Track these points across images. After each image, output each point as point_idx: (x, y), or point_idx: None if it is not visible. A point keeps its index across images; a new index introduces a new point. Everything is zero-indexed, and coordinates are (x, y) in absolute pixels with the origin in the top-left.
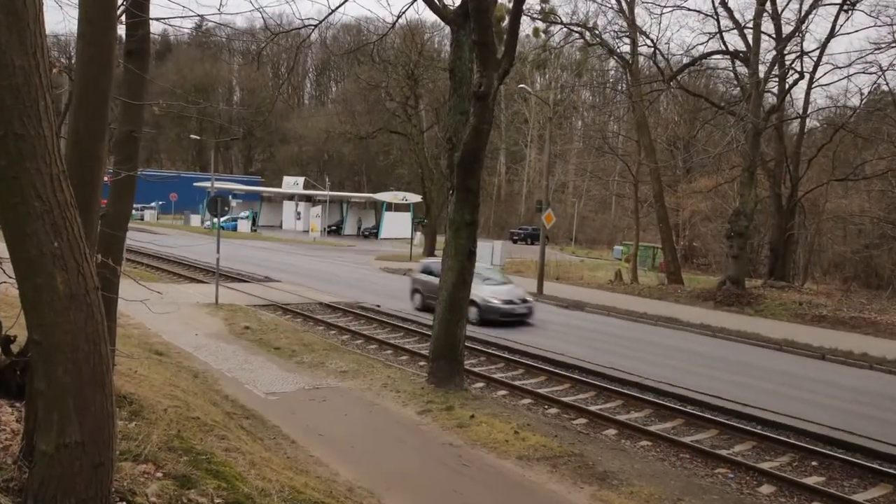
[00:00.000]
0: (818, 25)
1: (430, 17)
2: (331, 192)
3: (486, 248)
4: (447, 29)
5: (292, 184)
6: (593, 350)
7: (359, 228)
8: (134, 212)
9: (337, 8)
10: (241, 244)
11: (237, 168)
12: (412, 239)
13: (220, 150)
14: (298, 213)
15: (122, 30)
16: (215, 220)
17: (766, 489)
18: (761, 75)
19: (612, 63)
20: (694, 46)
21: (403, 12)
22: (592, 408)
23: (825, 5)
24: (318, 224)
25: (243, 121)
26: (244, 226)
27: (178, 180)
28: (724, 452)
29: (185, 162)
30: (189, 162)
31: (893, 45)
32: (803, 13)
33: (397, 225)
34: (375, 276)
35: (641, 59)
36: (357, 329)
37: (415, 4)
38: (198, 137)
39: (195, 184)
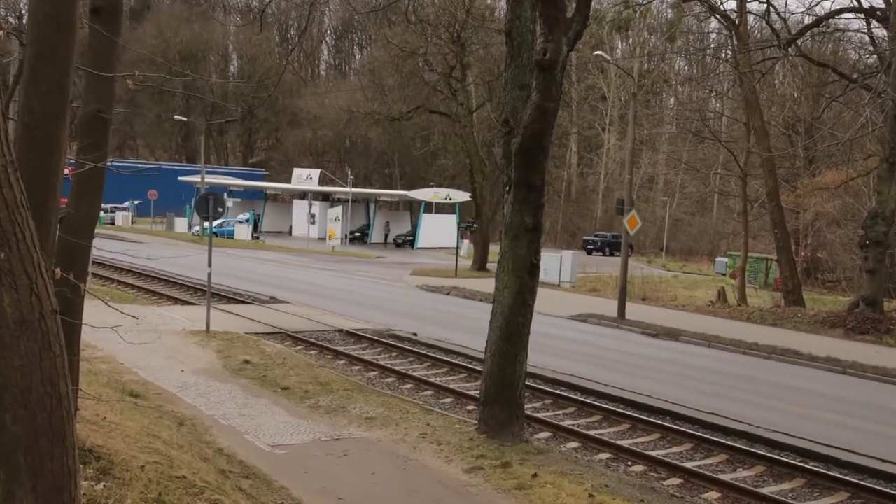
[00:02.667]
0: None
1: None
2: (354, 189)
3: (553, 261)
4: None
5: (304, 178)
6: (689, 390)
7: (386, 235)
8: (102, 214)
9: None
10: (239, 255)
11: (234, 158)
12: (458, 248)
13: (213, 136)
14: (312, 216)
15: None
16: (206, 224)
17: None
18: None
19: (713, 24)
20: (818, 2)
21: None
22: (688, 464)
23: None
24: (338, 230)
25: (242, 98)
26: (243, 231)
27: (159, 174)
28: None
29: (167, 150)
30: (173, 150)
31: None
32: None
33: (439, 231)
34: (411, 295)
35: (751, 18)
36: (388, 364)
37: None
38: (184, 119)
39: (180, 178)
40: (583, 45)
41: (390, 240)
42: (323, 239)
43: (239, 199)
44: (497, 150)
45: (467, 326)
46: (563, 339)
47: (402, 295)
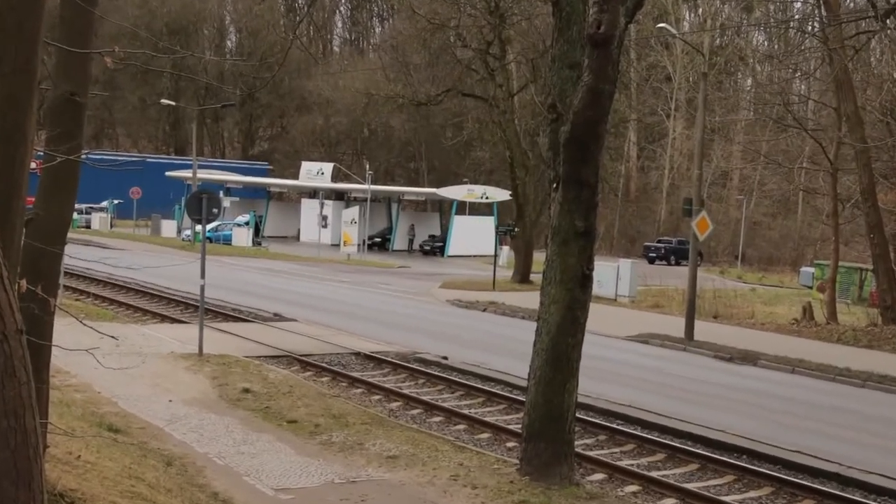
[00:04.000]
0: None
1: None
2: (373, 187)
3: (609, 271)
4: None
5: (315, 173)
6: (769, 424)
7: (411, 241)
8: (76, 215)
9: None
10: (237, 264)
11: (232, 150)
12: (496, 257)
13: (207, 123)
14: (324, 218)
15: None
16: (198, 227)
17: None
18: None
19: None
20: None
21: None
22: None
23: None
24: (354, 234)
25: (241, 78)
26: (242, 236)
27: (144, 168)
28: None
29: (153, 140)
30: (159, 140)
31: None
32: None
33: (473, 235)
34: (441, 312)
35: None
36: (413, 393)
37: None
38: (172, 104)
39: (168, 173)
40: (644, 15)
41: (416, 246)
42: (336, 245)
43: (237, 199)
44: (542, 140)
45: (507, 349)
46: (620, 364)
47: (429, 311)
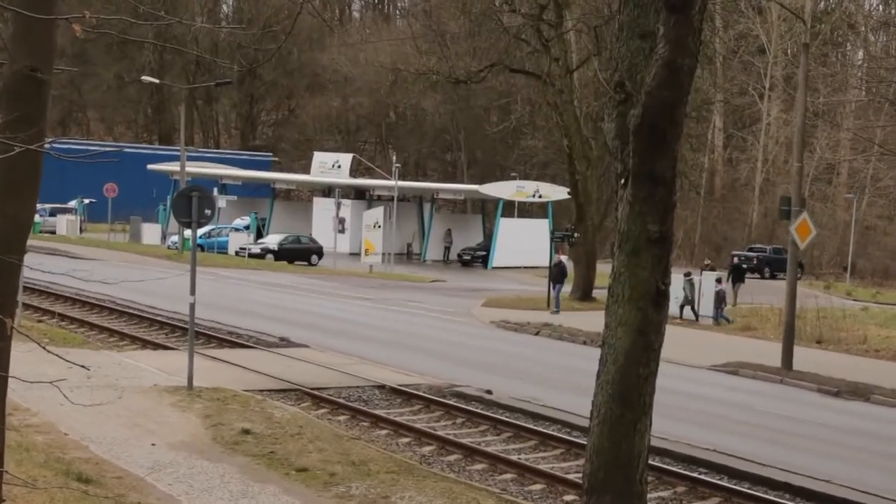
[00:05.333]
0: None
1: None
2: (402, 183)
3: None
4: None
5: (330, 166)
6: (885, 473)
7: (447, 249)
8: (38, 218)
9: None
10: (235, 277)
11: (229, 138)
12: (551, 268)
13: (198, 106)
14: (341, 221)
15: None
16: (188, 232)
17: None
18: None
19: None
20: None
21: None
22: None
23: None
24: (378, 241)
25: (240, 51)
26: (242, 243)
27: (121, 160)
28: None
29: (131, 127)
30: (139, 126)
31: None
32: None
33: (523, 242)
34: (483, 336)
35: None
36: (450, 434)
37: None
38: (155, 81)
39: (150, 166)
40: None
41: (453, 255)
42: (357, 254)
43: (235, 197)
44: (608, 125)
45: (564, 381)
46: (702, 399)
47: (470, 335)
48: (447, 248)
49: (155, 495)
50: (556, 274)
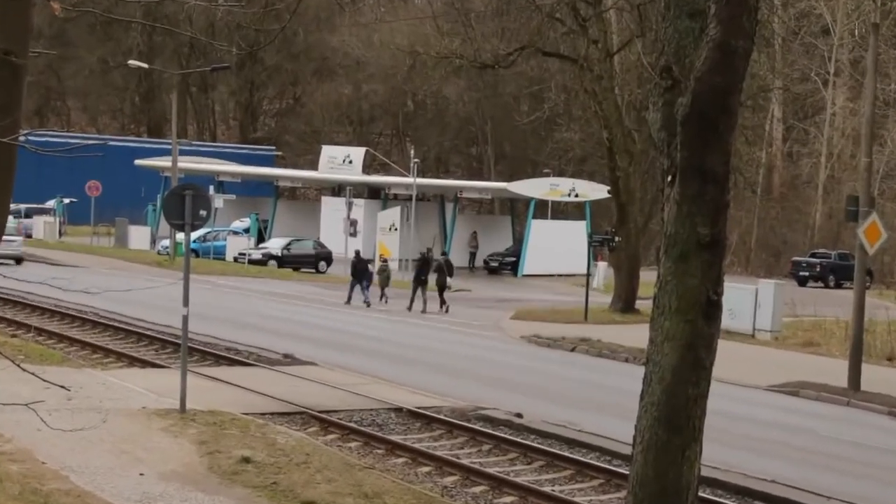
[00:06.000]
0: None
1: None
2: (421, 180)
3: (744, 296)
4: None
5: (340, 162)
6: None
7: (473, 255)
8: (12, 219)
9: None
10: (234, 286)
11: (227, 130)
12: (589, 276)
13: (191, 94)
14: (353, 223)
15: None
16: (180, 236)
17: None
18: None
19: None
20: None
21: None
22: None
23: None
24: (395, 246)
25: (238, 32)
26: (241, 248)
27: (105, 155)
28: None
29: (117, 117)
30: (126, 117)
31: None
32: None
33: (557, 247)
34: (513, 352)
35: None
36: (475, 463)
37: None
38: (144, 66)
39: (138, 162)
40: None
41: (479, 261)
42: (370, 261)
43: (234, 197)
44: (652, 115)
45: (604, 402)
46: (758, 423)
47: (498, 351)
48: (472, 254)
49: None
50: (358, 270)
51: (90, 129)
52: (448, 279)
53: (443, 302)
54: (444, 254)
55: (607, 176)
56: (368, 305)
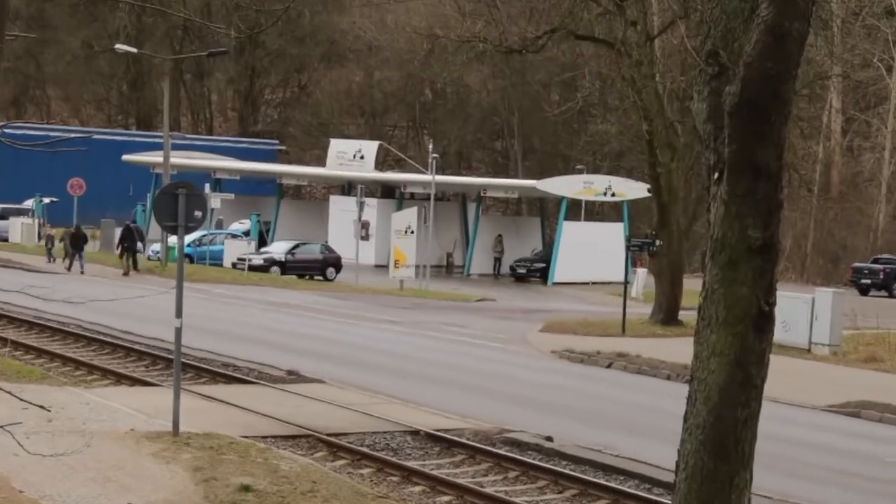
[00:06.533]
0: None
1: None
2: (441, 178)
3: (799, 307)
4: None
5: (350, 157)
6: None
7: (498, 261)
8: None
9: None
10: (233, 295)
11: (224, 122)
12: (626, 284)
13: (185, 81)
14: (364, 226)
15: None
16: (173, 239)
17: None
18: None
19: None
20: None
21: None
22: None
23: None
24: (411, 250)
25: (237, 13)
26: (240, 253)
27: (89, 149)
28: None
29: (102, 108)
30: (112, 108)
31: None
32: None
33: (591, 251)
34: (542, 368)
35: None
36: (500, 492)
37: None
38: (132, 51)
39: (126, 157)
40: None
41: (505, 268)
42: (384, 267)
43: (232, 196)
44: (697, 106)
45: (643, 425)
46: (815, 448)
47: (525, 368)
48: (497, 260)
49: None
50: (76, 239)
51: (73, 121)
52: (139, 244)
53: (129, 269)
54: (134, 222)
55: (647, 173)
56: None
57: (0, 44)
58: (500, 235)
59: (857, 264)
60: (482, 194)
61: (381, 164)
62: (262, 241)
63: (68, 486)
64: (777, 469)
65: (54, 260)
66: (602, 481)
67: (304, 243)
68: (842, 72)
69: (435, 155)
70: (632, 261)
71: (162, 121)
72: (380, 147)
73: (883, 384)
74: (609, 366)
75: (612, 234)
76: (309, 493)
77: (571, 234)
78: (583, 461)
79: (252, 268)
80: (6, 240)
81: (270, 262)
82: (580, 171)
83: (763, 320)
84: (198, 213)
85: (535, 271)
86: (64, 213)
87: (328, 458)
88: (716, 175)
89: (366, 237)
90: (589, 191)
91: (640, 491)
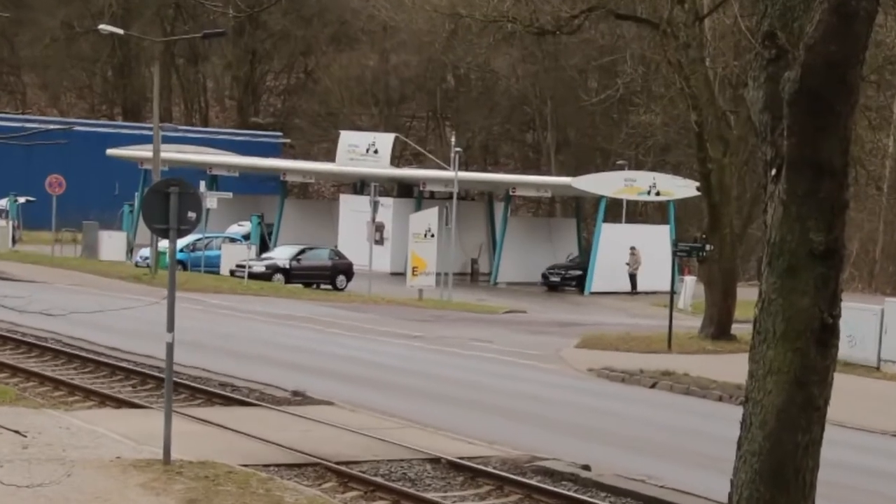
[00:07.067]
0: None
1: None
2: (464, 174)
3: (867, 319)
4: None
5: (363, 151)
6: None
7: (550, 273)
8: None
9: None
10: (232, 307)
11: (221, 112)
12: (673, 294)
13: (177, 67)
14: (379, 228)
15: None
16: (164, 243)
17: None
18: None
19: None
20: None
21: None
22: None
23: None
24: (431, 256)
25: None
26: (239, 259)
27: (70, 143)
28: None
29: (85, 96)
30: (96, 96)
31: None
32: None
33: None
34: (578, 389)
35: None
36: None
37: None
38: (119, 32)
39: (111, 151)
40: None
41: (535, 275)
42: (400, 274)
43: (230, 195)
44: (752, 94)
45: (691, 452)
46: (885, 477)
47: (559, 387)
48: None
49: None
50: None
51: (51, 111)
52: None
53: None
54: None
55: (696, 169)
56: None
57: None
58: (535, 240)
59: None
60: (511, 193)
61: (397, 159)
62: (264, 246)
63: None
64: (843, 501)
65: None
66: None
67: (311, 248)
68: None
69: (458, 149)
70: (679, 268)
71: (151, 111)
72: (396, 140)
73: None
74: (653, 386)
75: (657, 238)
76: None
77: (611, 237)
78: (624, 493)
79: (253, 276)
80: None
81: (273, 270)
82: (621, 167)
83: (826, 334)
84: (191, 215)
85: (571, 279)
86: (42, 214)
87: (338, 489)
88: (773, 172)
89: (380, 241)
90: (631, 189)
91: None
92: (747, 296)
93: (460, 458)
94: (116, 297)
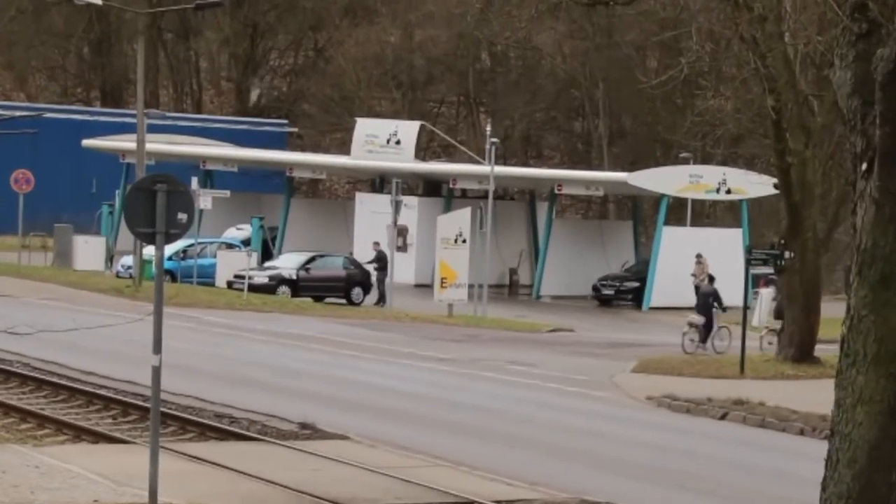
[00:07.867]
0: None
1: None
2: (501, 169)
3: None
4: None
5: (383, 142)
6: None
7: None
8: None
9: None
10: (229, 324)
11: (217, 96)
12: (746, 310)
13: (165, 43)
14: (401, 232)
15: None
16: (149, 250)
17: None
18: None
19: None
20: None
21: None
22: None
23: None
24: (463, 265)
25: None
26: (238, 268)
27: (40, 132)
28: None
29: (57, 78)
30: (71, 78)
31: None
32: None
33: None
34: (633, 420)
35: None
36: None
37: None
38: (97, 2)
39: (87, 142)
40: None
41: (584, 287)
42: (427, 286)
43: (228, 193)
44: (839, 75)
45: (768, 494)
46: None
47: (612, 419)
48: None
49: None
50: None
51: (18, 95)
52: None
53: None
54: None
55: (773, 163)
56: None
57: None
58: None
59: None
60: (556, 191)
61: (423, 152)
62: (267, 254)
63: None
64: None
65: None
66: None
67: (323, 255)
68: None
69: (494, 140)
70: (754, 279)
71: (134, 95)
72: (422, 129)
73: None
74: (723, 417)
75: (728, 244)
76: None
77: (674, 243)
78: None
79: (253, 288)
80: None
81: (278, 281)
82: (685, 161)
83: None
84: (182, 217)
85: (626, 292)
86: (7, 215)
87: None
88: (864, 166)
89: (403, 247)
90: (697, 186)
91: None
92: (833, 311)
93: (497, 502)
94: (94, 312)
